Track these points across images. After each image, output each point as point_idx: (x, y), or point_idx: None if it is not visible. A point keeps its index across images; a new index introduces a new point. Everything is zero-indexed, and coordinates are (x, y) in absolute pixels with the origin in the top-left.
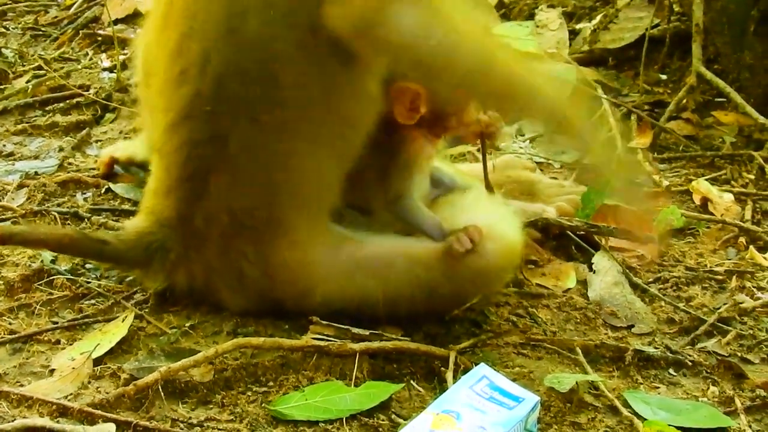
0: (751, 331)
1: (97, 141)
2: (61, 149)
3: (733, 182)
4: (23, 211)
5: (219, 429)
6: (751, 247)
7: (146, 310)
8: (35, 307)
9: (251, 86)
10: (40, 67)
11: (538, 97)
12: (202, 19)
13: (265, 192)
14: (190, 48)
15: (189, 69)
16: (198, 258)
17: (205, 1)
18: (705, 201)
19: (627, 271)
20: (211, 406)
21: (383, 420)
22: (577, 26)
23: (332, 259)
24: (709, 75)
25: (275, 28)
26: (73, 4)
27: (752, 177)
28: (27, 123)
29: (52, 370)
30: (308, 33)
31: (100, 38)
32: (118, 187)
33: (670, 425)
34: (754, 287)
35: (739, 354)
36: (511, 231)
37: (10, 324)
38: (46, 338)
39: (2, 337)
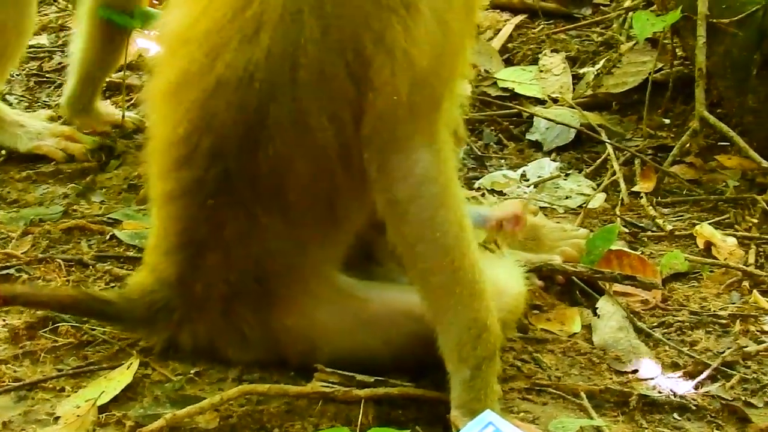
0: (755, 375)
1: (101, 188)
2: (65, 196)
3: (736, 226)
4: (28, 259)
5: None
6: (755, 291)
7: (151, 357)
8: (40, 355)
9: (261, 193)
10: None
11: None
12: (222, 126)
13: (259, 271)
14: (201, 141)
15: (196, 159)
16: (201, 318)
17: (230, 114)
18: (709, 245)
19: (631, 315)
20: None
21: None
22: (581, 71)
23: (335, 320)
24: (712, 119)
25: (298, 148)
26: None
27: (756, 221)
28: (31, 170)
29: (57, 418)
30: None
31: (104, 84)
32: (123, 234)
33: None
34: (757, 331)
35: (743, 398)
36: (515, 284)
37: (14, 371)
38: (50, 386)
39: (7, 385)
